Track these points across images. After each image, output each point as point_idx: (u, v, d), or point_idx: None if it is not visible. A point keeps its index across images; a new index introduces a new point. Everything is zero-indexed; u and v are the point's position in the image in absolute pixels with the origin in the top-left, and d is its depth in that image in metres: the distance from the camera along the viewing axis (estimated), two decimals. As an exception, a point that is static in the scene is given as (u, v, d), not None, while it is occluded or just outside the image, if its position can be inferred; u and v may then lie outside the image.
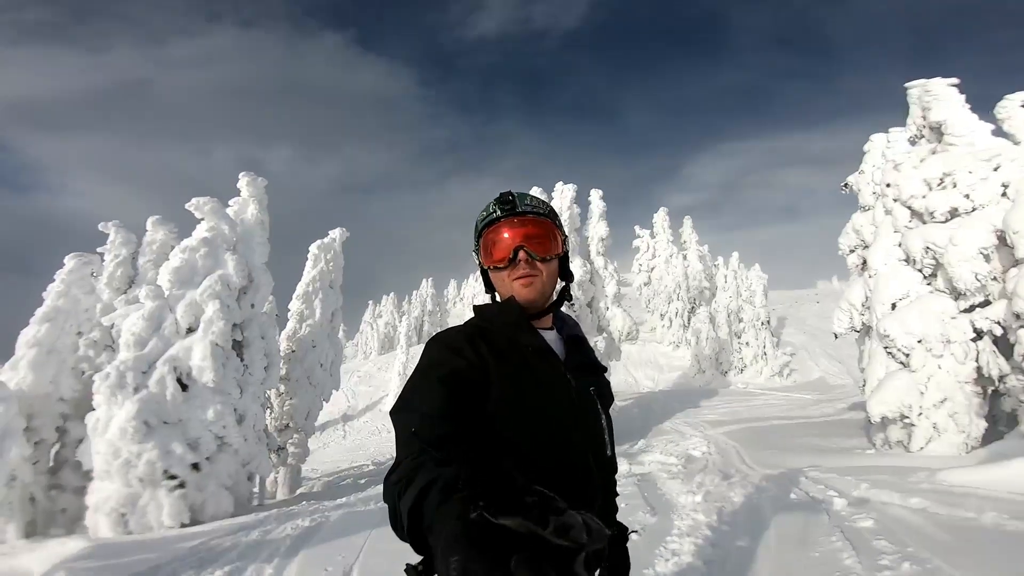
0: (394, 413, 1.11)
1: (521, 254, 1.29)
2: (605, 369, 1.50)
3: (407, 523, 0.79)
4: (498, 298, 1.38)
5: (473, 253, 1.40)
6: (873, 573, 3.65)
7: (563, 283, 1.44)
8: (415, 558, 0.86)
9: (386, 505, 0.93)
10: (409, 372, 1.23)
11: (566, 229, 18.60)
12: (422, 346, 1.33)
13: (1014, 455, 5.93)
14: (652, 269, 38.51)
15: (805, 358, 29.28)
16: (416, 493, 0.79)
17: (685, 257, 38.19)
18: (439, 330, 1.32)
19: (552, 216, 1.37)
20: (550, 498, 0.64)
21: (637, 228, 40.06)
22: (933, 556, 3.79)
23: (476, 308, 1.36)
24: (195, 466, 10.71)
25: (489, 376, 1.18)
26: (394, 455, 1.03)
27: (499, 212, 1.32)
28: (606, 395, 1.43)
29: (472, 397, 1.13)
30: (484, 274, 1.40)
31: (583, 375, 1.35)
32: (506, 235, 1.31)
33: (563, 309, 1.46)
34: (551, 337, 1.36)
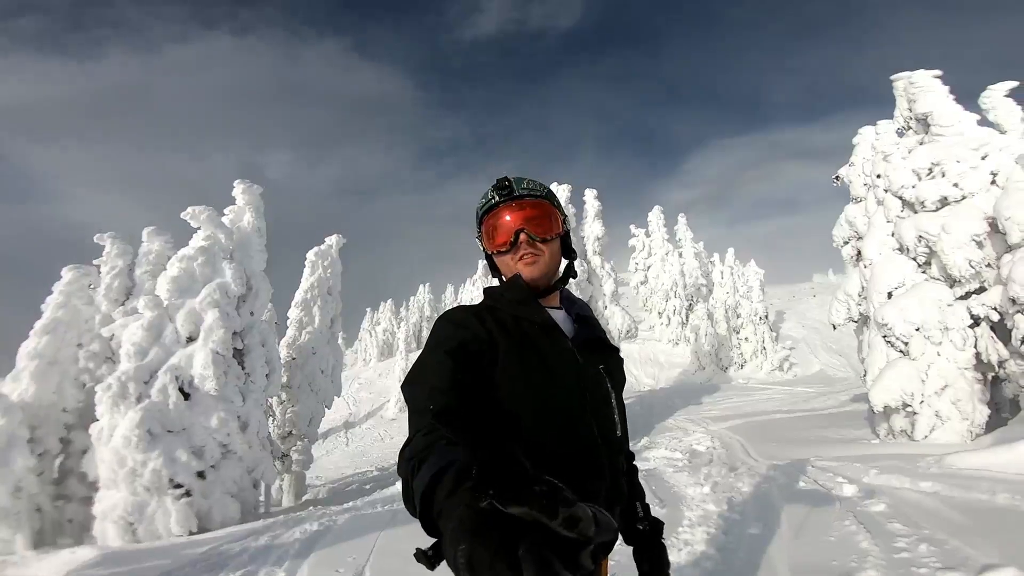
0: (405, 386, 1.12)
1: (522, 236, 1.32)
2: (617, 349, 1.49)
3: (419, 507, 0.80)
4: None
5: (476, 240, 1.43)
6: (891, 555, 3.64)
7: (567, 261, 1.46)
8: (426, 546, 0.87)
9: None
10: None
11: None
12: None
13: (1020, 440, 5.94)
14: (648, 267, 38.53)
15: (805, 352, 29.37)
16: (429, 478, 0.80)
17: (681, 255, 38.27)
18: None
19: (550, 197, 1.39)
20: (560, 488, 0.64)
21: (632, 227, 40.12)
22: (950, 537, 3.79)
23: (485, 290, 1.38)
24: (200, 474, 10.69)
25: (496, 349, 1.20)
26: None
27: (497, 198, 1.35)
28: (617, 374, 1.43)
29: (479, 369, 1.15)
30: (489, 259, 1.42)
31: (592, 352, 1.35)
32: (506, 219, 1.33)
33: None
34: (559, 316, 1.38)
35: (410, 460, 0.91)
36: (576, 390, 1.25)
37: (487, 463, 0.72)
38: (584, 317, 1.43)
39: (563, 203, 19.71)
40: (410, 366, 1.23)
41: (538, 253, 1.33)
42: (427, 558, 0.80)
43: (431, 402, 1.02)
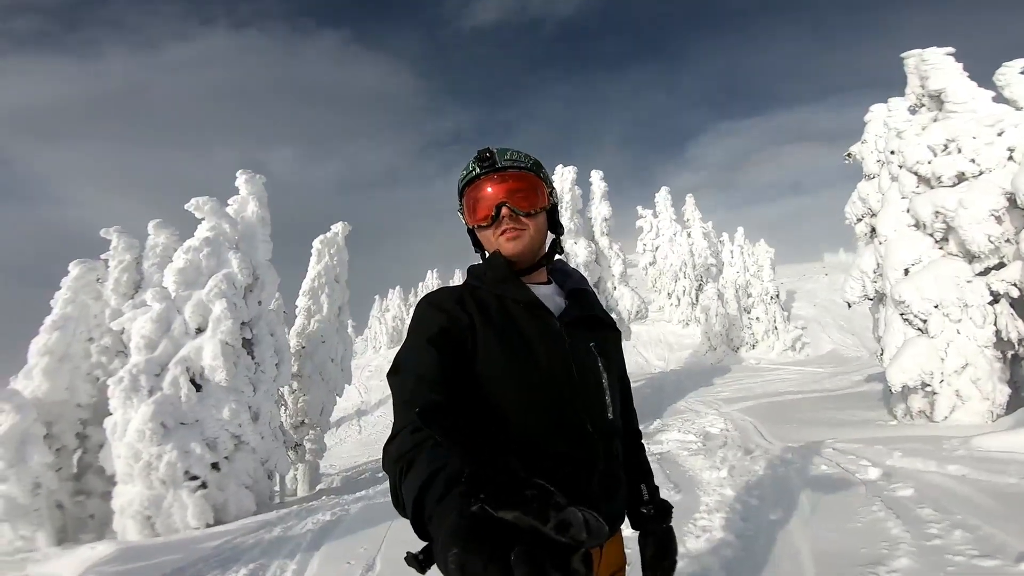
0: (389, 376, 1.10)
1: (504, 210, 1.25)
2: (612, 324, 1.40)
3: (411, 513, 0.79)
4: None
5: (458, 213, 1.35)
6: (923, 542, 3.52)
7: (553, 236, 1.39)
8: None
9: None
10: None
11: (568, 212, 18.42)
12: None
13: (1044, 419, 5.78)
14: (657, 248, 38.27)
15: (817, 331, 29.07)
16: (419, 484, 0.79)
17: (689, 235, 37.95)
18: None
19: (535, 168, 1.32)
20: (551, 492, 0.63)
21: (640, 208, 39.78)
22: (983, 523, 3.67)
23: (469, 268, 1.33)
24: (215, 466, 10.79)
25: (475, 332, 1.16)
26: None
27: (479, 169, 1.28)
28: (610, 352, 1.35)
29: (461, 355, 1.13)
30: (471, 234, 1.36)
31: (583, 330, 1.29)
32: (488, 191, 1.26)
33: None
34: (546, 292, 1.32)
35: (397, 462, 0.90)
36: (561, 372, 1.20)
37: (477, 467, 0.71)
38: (578, 291, 1.36)
39: (569, 185, 19.47)
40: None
41: (522, 228, 1.26)
42: (418, 562, 0.78)
43: (415, 397, 1.01)
